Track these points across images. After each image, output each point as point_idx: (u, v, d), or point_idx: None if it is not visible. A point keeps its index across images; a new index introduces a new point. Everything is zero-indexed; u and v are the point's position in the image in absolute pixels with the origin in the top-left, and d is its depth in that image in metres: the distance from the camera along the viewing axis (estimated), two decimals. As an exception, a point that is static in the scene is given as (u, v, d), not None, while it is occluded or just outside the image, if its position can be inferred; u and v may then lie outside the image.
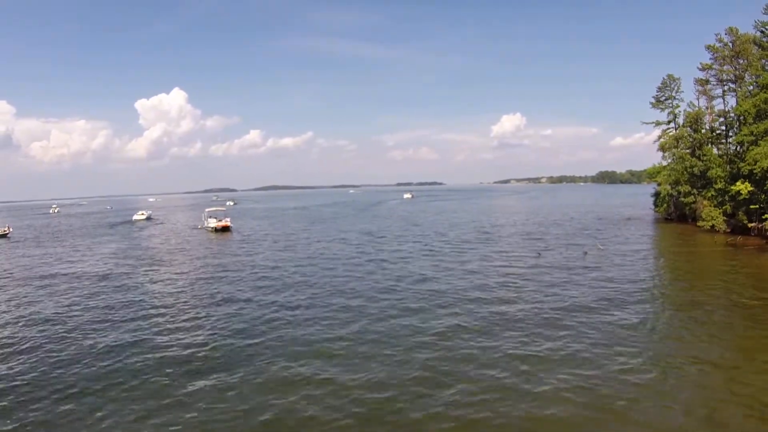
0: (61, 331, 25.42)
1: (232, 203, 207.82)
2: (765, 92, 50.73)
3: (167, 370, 19.54)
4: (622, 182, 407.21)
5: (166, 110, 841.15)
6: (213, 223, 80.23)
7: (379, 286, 33.67)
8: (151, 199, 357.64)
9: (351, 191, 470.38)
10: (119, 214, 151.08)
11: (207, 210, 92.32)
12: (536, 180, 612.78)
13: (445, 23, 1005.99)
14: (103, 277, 41.08)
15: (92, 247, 65.09)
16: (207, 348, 22.05)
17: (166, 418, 15.57)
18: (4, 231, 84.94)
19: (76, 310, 29.72)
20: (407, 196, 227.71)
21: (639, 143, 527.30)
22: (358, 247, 54.26)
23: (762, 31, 56.42)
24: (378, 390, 17.10)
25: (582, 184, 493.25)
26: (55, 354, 21.84)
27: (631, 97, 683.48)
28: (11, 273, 45.01)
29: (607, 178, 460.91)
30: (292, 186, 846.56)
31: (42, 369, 20.11)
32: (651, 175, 73.43)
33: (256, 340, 22.83)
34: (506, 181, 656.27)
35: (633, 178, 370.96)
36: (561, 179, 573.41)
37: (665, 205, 73.69)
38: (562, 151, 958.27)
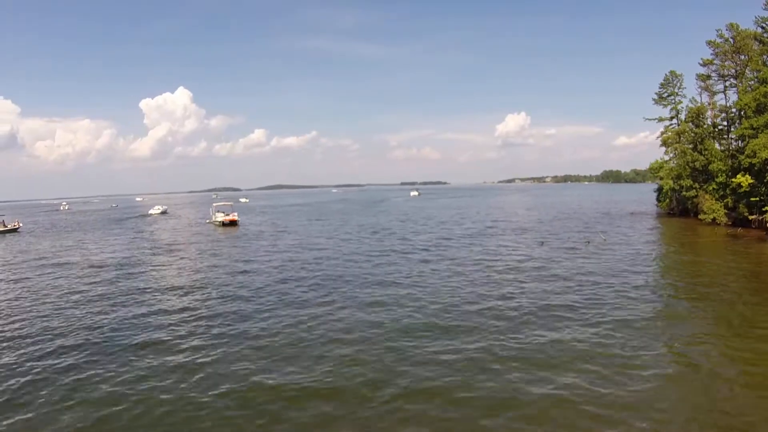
0: (84, 308, 26.70)
1: (246, 200, 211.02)
2: (765, 86, 51.51)
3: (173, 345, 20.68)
4: (626, 181, 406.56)
5: (171, 110, 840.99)
6: (221, 217, 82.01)
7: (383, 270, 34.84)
8: (138, 199, 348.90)
9: (334, 190, 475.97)
10: (127, 211, 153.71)
11: (215, 205, 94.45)
12: (541, 179, 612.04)
13: (449, 21, 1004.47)
14: (118, 262, 42.53)
15: (110, 237, 67.22)
16: (211, 327, 23.18)
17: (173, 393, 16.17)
18: (14, 225, 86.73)
19: (93, 292, 30.99)
20: (414, 193, 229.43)
21: (643, 142, 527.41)
22: (364, 242, 55.35)
23: (762, 27, 57.26)
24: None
25: (586, 183, 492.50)
26: (70, 331, 23.00)
27: (636, 97, 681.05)
28: (27, 260, 46.41)
29: (611, 177, 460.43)
30: (296, 185, 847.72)
31: (53, 345, 21.06)
32: (654, 170, 74.24)
33: (260, 325, 23.84)
34: (511, 181, 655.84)
35: (638, 177, 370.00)
36: (566, 178, 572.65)
37: (668, 200, 74.63)
38: (566, 150, 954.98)
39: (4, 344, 20.98)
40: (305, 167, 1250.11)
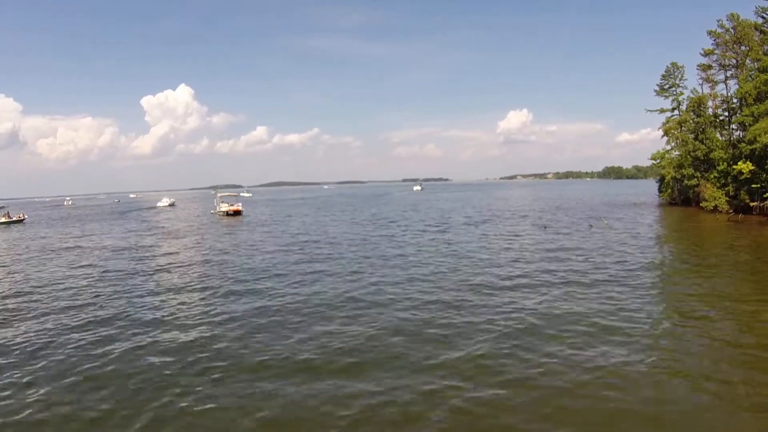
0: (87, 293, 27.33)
1: (249, 194, 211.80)
2: (765, 74, 52.01)
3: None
4: (628, 177, 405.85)
5: (173, 107, 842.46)
6: (225, 207, 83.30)
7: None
8: (131, 195, 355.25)
9: (325, 187, 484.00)
10: (133, 205, 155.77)
11: (219, 196, 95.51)
12: (542, 176, 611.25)
13: (450, 18, 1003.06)
14: (131, 246, 43.59)
15: (122, 227, 68.45)
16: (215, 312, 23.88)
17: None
18: (20, 217, 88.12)
19: (105, 271, 31.80)
20: (417, 188, 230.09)
21: (645, 139, 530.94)
22: (364, 226, 56.04)
23: (763, 17, 57.54)
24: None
25: (588, 179, 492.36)
26: (69, 316, 23.60)
27: (639, 93, 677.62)
28: (34, 245, 47.38)
29: (613, 173, 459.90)
30: (298, 182, 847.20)
31: (54, 329, 20.20)
32: (655, 159, 74.66)
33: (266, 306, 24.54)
34: (513, 177, 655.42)
35: (639, 173, 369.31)
36: (567, 175, 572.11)
37: (669, 190, 75.17)
38: (568, 147, 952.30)
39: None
40: (307, 165, 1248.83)
